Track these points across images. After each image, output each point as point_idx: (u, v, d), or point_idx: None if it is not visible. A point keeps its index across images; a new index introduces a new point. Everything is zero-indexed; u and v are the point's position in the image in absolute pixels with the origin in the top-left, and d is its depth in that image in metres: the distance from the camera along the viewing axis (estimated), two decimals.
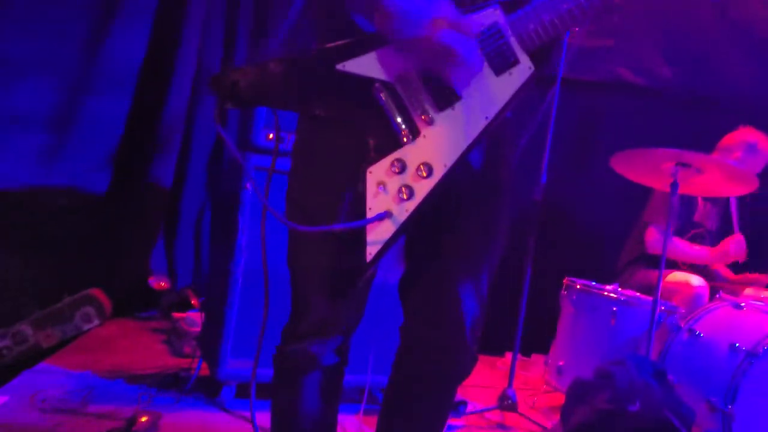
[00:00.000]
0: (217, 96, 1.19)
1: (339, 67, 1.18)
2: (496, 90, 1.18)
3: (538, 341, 3.28)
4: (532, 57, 1.19)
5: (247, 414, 2.23)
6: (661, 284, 2.71)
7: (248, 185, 2.23)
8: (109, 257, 3.15)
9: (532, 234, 2.82)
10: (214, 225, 3.31)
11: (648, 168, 2.67)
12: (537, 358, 3.63)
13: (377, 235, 1.16)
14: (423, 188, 1.17)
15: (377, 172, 1.18)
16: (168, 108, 3.21)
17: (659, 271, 2.53)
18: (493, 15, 1.18)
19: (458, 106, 1.18)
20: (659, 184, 2.81)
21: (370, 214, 1.16)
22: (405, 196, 1.17)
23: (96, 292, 2.86)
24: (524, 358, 3.63)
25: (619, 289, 2.82)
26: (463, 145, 1.17)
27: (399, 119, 1.18)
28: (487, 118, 1.18)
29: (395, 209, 1.16)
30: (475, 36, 1.16)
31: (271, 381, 1.39)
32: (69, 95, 3.01)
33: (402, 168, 1.18)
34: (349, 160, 1.20)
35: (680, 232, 3.26)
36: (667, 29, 3.77)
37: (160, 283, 3.33)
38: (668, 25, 3.79)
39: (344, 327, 1.34)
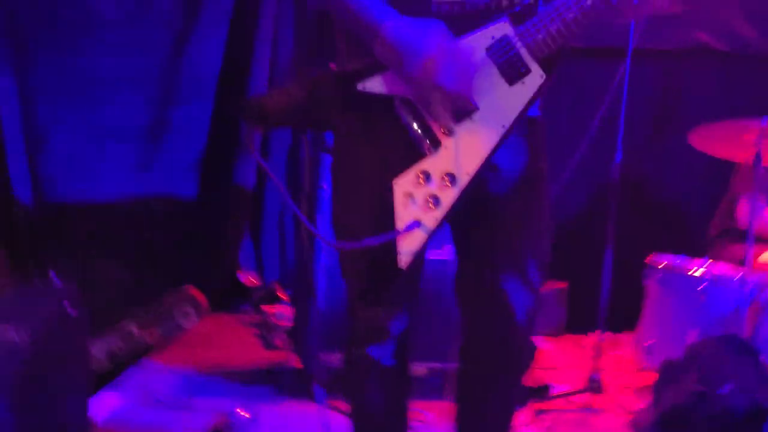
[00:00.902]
0: (244, 121, 1.29)
1: (359, 87, 1.26)
2: (510, 99, 1.25)
3: (627, 318, 3.23)
4: (543, 64, 1.25)
5: (341, 406, 2.32)
6: (755, 263, 2.63)
7: (323, 185, 2.30)
8: (201, 256, 3.33)
9: (611, 211, 2.78)
10: (296, 221, 3.43)
11: (729, 141, 2.58)
12: (627, 336, 3.58)
13: (409, 245, 1.24)
14: (448, 197, 1.25)
15: (404, 184, 1.25)
16: None
17: (748, 246, 2.46)
18: (503, 28, 1.25)
19: (476, 116, 1.26)
20: (742, 156, 2.71)
21: (399, 225, 1.25)
22: (432, 206, 1.24)
23: (192, 290, 3.05)
24: (614, 335, 3.59)
25: (710, 261, 2.75)
26: (483, 154, 1.25)
27: (420, 132, 1.26)
28: (504, 126, 1.25)
29: (424, 218, 1.24)
30: (486, 50, 1.24)
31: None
32: (157, 106, 3.21)
33: (427, 178, 1.25)
34: (376, 174, 1.27)
35: None
36: None
37: (250, 279, 3.48)
38: None
39: (395, 332, 1.42)
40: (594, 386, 2.67)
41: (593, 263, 2.85)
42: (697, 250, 3.14)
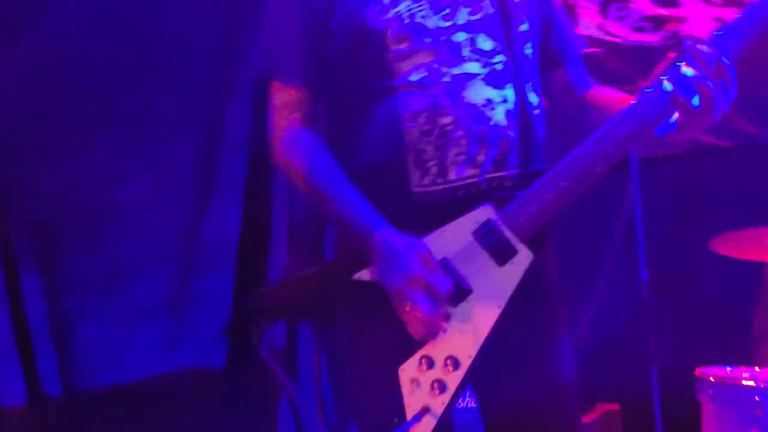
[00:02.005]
0: (245, 320, 1.34)
1: (356, 276, 1.31)
2: (502, 280, 1.30)
3: None
4: (530, 244, 1.30)
5: None
6: None
7: None
8: (234, 428, 3.25)
9: (648, 328, 2.72)
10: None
11: (751, 244, 2.59)
12: None
13: (420, 431, 1.25)
14: (453, 381, 1.27)
15: (408, 371, 1.28)
16: (270, 275, 3.38)
17: None
18: (485, 212, 1.30)
19: (471, 299, 1.29)
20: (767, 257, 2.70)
21: (408, 412, 1.26)
22: (438, 391, 1.26)
23: None
24: None
25: (757, 369, 2.66)
26: (482, 335, 1.29)
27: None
28: (499, 306, 1.29)
29: (432, 404, 1.25)
30: (472, 234, 1.30)
31: None
32: (180, 282, 3.25)
33: (430, 364, 1.27)
34: (382, 362, 1.30)
35: None
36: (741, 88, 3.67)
37: None
38: (742, 83, 3.70)
39: None
40: None
41: (642, 382, 2.76)
42: (744, 353, 3.04)
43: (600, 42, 3.75)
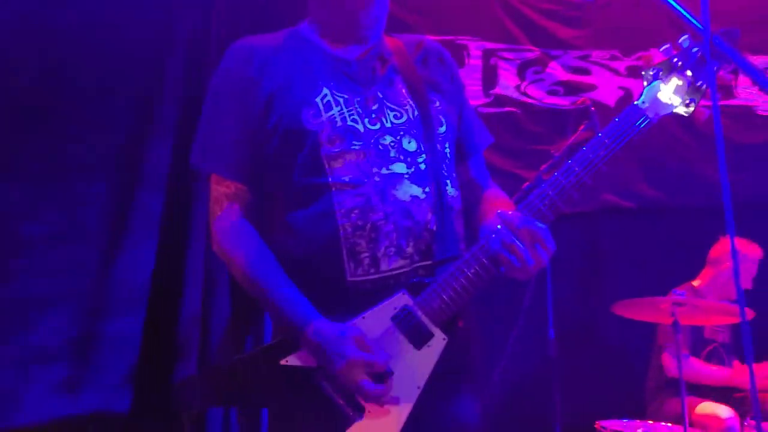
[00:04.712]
0: (177, 410, 1.35)
1: (282, 362, 1.37)
2: (420, 362, 1.38)
3: None
4: (444, 327, 1.39)
5: None
6: (693, 416, 2.70)
7: None
8: None
9: (554, 386, 2.84)
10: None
11: (649, 310, 2.77)
12: None
13: None
14: None
15: None
16: (181, 319, 3.31)
17: (682, 401, 2.58)
18: (402, 299, 1.39)
19: (392, 381, 1.36)
20: (663, 320, 2.89)
21: None
22: None
23: None
24: None
25: (650, 422, 2.84)
26: (404, 414, 1.35)
27: (342, 401, 1.35)
28: (419, 387, 1.37)
29: None
30: (391, 320, 1.38)
31: None
32: (86, 323, 3.12)
33: None
34: None
35: (694, 351, 3.31)
36: (644, 152, 3.90)
37: None
38: (646, 148, 3.95)
39: None
40: None
41: None
42: (639, 408, 3.21)
43: (517, 103, 3.94)
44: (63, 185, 3.08)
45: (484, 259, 1.38)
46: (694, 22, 1.32)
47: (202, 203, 3.40)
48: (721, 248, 3.47)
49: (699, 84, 1.40)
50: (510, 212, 1.39)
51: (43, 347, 3.07)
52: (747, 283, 3.37)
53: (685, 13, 1.32)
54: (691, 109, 1.41)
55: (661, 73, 1.43)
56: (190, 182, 3.29)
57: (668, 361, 3.21)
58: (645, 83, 1.43)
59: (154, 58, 3.34)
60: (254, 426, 1.42)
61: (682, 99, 1.41)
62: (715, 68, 1.33)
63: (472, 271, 1.38)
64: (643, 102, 1.42)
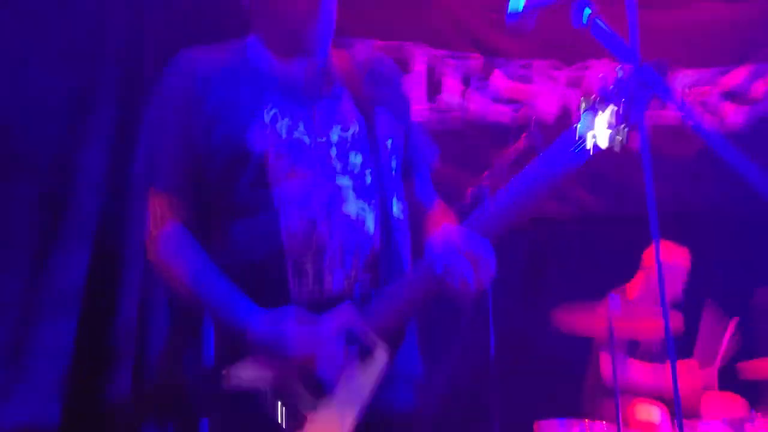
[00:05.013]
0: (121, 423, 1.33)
1: (223, 373, 1.35)
2: (363, 376, 1.37)
3: None
4: (388, 340, 1.38)
5: None
6: (629, 416, 2.77)
7: None
8: None
9: (493, 388, 2.87)
10: None
11: (586, 315, 2.84)
12: None
13: None
14: None
15: None
16: (116, 327, 3.23)
17: (615, 402, 2.65)
18: (347, 311, 1.38)
19: (335, 394, 1.36)
20: (600, 332, 2.98)
21: None
22: None
23: None
24: None
25: (586, 421, 2.90)
26: (347, 428, 1.34)
27: (285, 414, 1.34)
28: (362, 399, 1.36)
29: None
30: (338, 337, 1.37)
31: None
32: (15, 328, 3.01)
33: None
34: None
35: (631, 351, 3.40)
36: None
37: None
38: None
39: None
40: None
41: None
42: (576, 408, 3.27)
43: (461, 109, 3.99)
44: None
45: (427, 280, 1.38)
46: (625, 54, 1.36)
47: (139, 213, 3.33)
48: (651, 253, 3.54)
49: (630, 114, 1.41)
50: (454, 231, 1.39)
51: None
52: (677, 287, 3.45)
53: (616, 46, 1.35)
54: (623, 137, 1.43)
55: (597, 102, 1.44)
56: (127, 190, 3.22)
57: (604, 366, 3.28)
58: (581, 109, 1.45)
59: (87, 60, 3.27)
60: None
61: (616, 126, 1.42)
62: (646, 98, 1.35)
63: (416, 289, 1.39)
64: (581, 129, 1.42)
